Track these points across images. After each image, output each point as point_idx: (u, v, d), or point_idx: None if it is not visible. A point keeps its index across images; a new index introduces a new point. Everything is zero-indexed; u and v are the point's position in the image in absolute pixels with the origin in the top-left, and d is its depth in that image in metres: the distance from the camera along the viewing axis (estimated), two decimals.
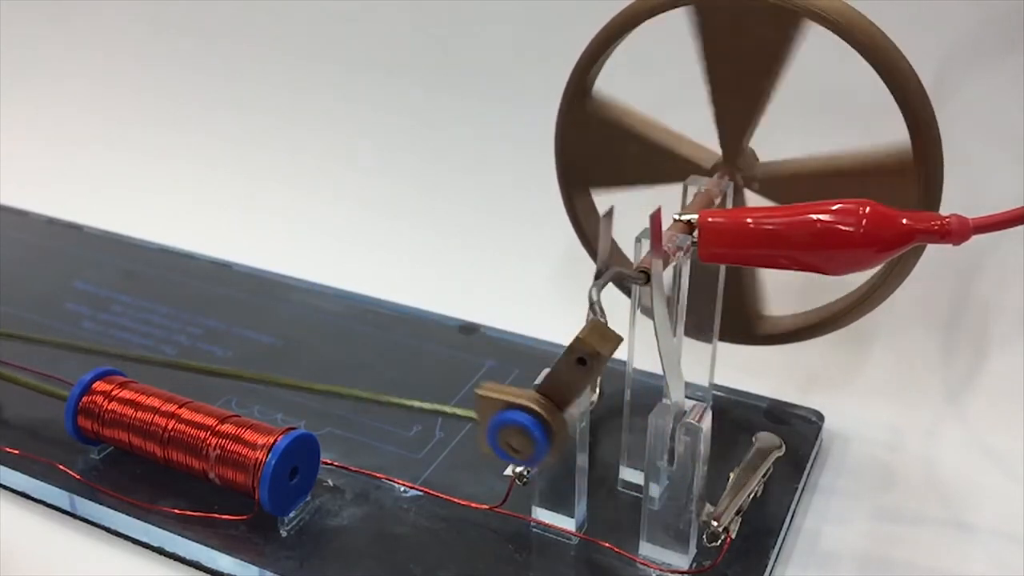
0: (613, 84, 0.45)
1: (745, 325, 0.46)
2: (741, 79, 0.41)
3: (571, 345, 0.33)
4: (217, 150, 0.72)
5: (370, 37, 0.66)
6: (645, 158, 0.45)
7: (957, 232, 0.34)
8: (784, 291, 0.47)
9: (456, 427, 0.46)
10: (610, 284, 0.36)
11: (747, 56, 0.41)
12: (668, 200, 0.43)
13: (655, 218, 0.35)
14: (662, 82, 0.46)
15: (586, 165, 0.46)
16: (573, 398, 0.34)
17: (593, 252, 0.47)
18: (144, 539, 0.41)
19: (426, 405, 0.42)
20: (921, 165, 0.39)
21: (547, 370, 0.34)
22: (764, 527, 0.40)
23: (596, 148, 0.46)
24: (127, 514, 0.41)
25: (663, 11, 0.41)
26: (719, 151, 0.43)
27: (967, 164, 0.48)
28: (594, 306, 0.34)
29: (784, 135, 0.43)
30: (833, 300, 0.44)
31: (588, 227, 0.48)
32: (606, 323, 0.33)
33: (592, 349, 0.32)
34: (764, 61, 0.40)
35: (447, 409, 0.44)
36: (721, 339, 0.45)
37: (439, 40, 0.64)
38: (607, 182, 0.46)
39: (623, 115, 0.45)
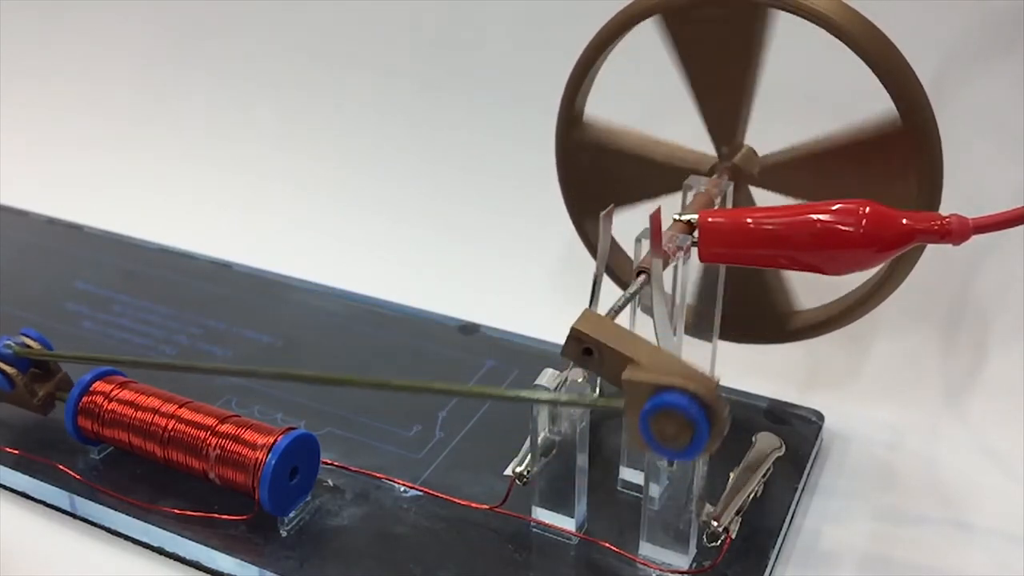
0: (607, 98, 0.45)
1: (770, 323, 0.46)
2: (719, 78, 0.42)
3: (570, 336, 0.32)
4: (217, 150, 0.72)
5: (370, 37, 0.66)
6: (645, 174, 0.45)
7: (957, 232, 0.34)
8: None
9: (456, 427, 0.46)
10: (610, 284, 0.36)
11: (719, 53, 0.41)
12: (668, 200, 0.43)
13: (655, 218, 0.35)
14: (657, 88, 0.46)
15: (590, 191, 0.47)
16: (645, 359, 0.31)
17: (613, 275, 0.47)
18: (144, 539, 0.41)
19: (438, 384, 0.39)
20: (920, 164, 0.39)
21: (552, 374, 0.34)
22: (764, 527, 0.40)
23: (597, 173, 0.46)
24: (127, 514, 0.41)
25: (630, 28, 0.41)
26: (714, 153, 0.43)
27: (967, 164, 0.48)
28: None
29: (783, 137, 0.43)
30: (832, 300, 0.45)
31: (602, 247, 0.48)
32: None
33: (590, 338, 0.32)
34: (737, 55, 0.41)
35: (460, 388, 0.41)
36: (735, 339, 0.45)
37: (439, 40, 0.64)
38: (613, 203, 0.46)
39: (616, 136, 0.46)
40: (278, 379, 0.46)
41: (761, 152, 0.44)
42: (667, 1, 0.40)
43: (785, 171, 0.42)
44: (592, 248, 0.48)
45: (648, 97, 0.52)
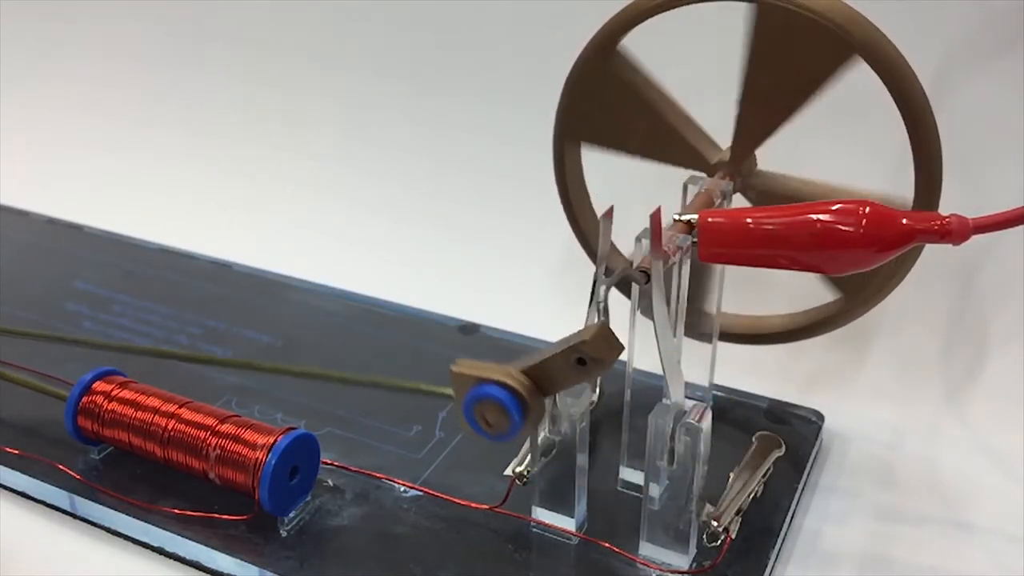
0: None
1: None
2: (776, 90, 0.41)
3: (575, 345, 0.33)
4: (217, 150, 0.72)
5: (370, 37, 0.66)
6: (652, 132, 0.44)
7: (957, 232, 0.33)
8: (780, 291, 0.47)
9: (456, 427, 0.46)
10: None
11: (791, 70, 0.40)
12: (668, 200, 0.43)
13: (655, 218, 0.35)
14: (677, 76, 0.45)
15: (590, 118, 0.45)
16: (559, 390, 0.34)
17: (573, 219, 0.47)
18: (144, 539, 0.41)
19: (407, 384, 0.42)
20: (921, 165, 0.39)
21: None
22: (764, 527, 0.40)
23: (606, 105, 0.45)
24: (127, 514, 0.41)
25: None
26: (725, 148, 0.43)
27: (967, 164, 0.48)
28: (600, 307, 0.34)
29: (783, 136, 0.43)
30: (832, 300, 0.45)
31: (571, 180, 0.47)
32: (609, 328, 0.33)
33: (597, 355, 0.32)
34: (805, 80, 0.40)
35: (428, 388, 0.43)
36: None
37: (439, 40, 0.64)
38: (605, 142, 0.45)
39: (644, 83, 0.44)
40: (263, 372, 0.46)
41: (760, 161, 0.43)
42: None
43: (780, 201, 0.42)
44: (561, 177, 0.47)
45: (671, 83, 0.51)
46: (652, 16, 0.42)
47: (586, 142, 0.46)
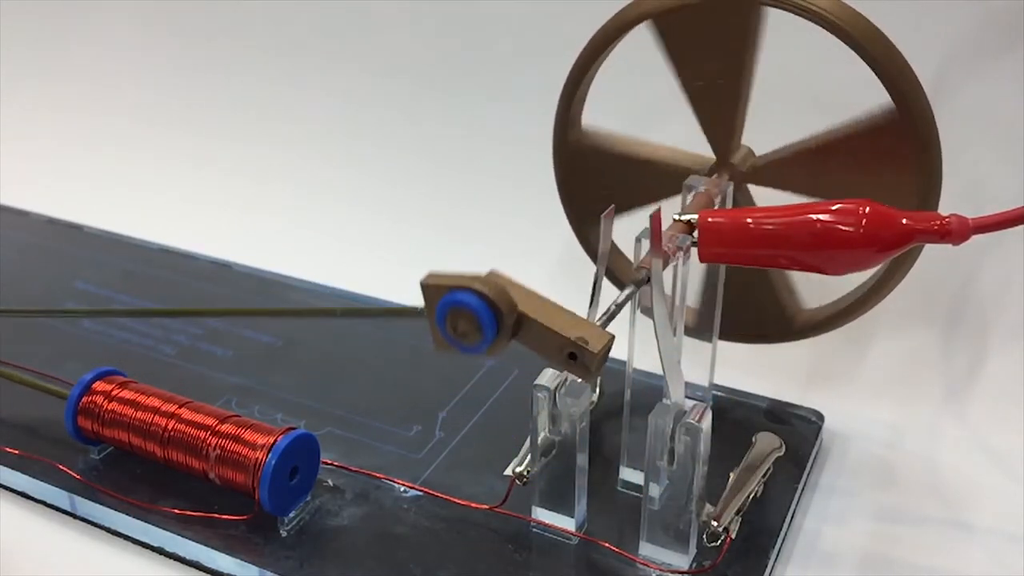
0: (603, 102, 0.45)
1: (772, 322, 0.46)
2: (713, 79, 0.41)
3: (576, 343, 0.32)
4: (217, 150, 0.72)
5: (370, 37, 0.66)
6: (644, 179, 0.45)
7: (957, 232, 0.34)
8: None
9: (456, 427, 0.46)
10: (609, 284, 0.36)
11: (712, 55, 0.41)
12: (668, 200, 0.43)
13: (655, 218, 0.35)
14: (652, 91, 0.46)
15: (590, 199, 0.46)
16: (530, 348, 0.33)
17: (615, 280, 0.47)
18: (144, 539, 0.41)
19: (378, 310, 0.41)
20: (920, 165, 0.39)
21: (552, 374, 0.34)
22: (764, 527, 0.40)
23: (595, 180, 0.46)
24: (127, 514, 0.41)
25: (624, 34, 0.41)
26: (745, 151, 0.43)
27: (967, 164, 0.48)
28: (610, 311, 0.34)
29: (782, 137, 0.43)
30: (832, 300, 0.45)
31: (602, 248, 0.47)
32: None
33: (592, 364, 0.32)
34: (731, 55, 0.41)
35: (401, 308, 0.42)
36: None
37: (439, 40, 0.64)
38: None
39: (611, 142, 0.46)
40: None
41: (759, 152, 0.44)
42: (658, 6, 0.40)
43: (782, 168, 0.42)
44: (592, 253, 0.48)
45: (644, 100, 0.52)
46: (587, 77, 0.43)
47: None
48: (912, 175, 0.39)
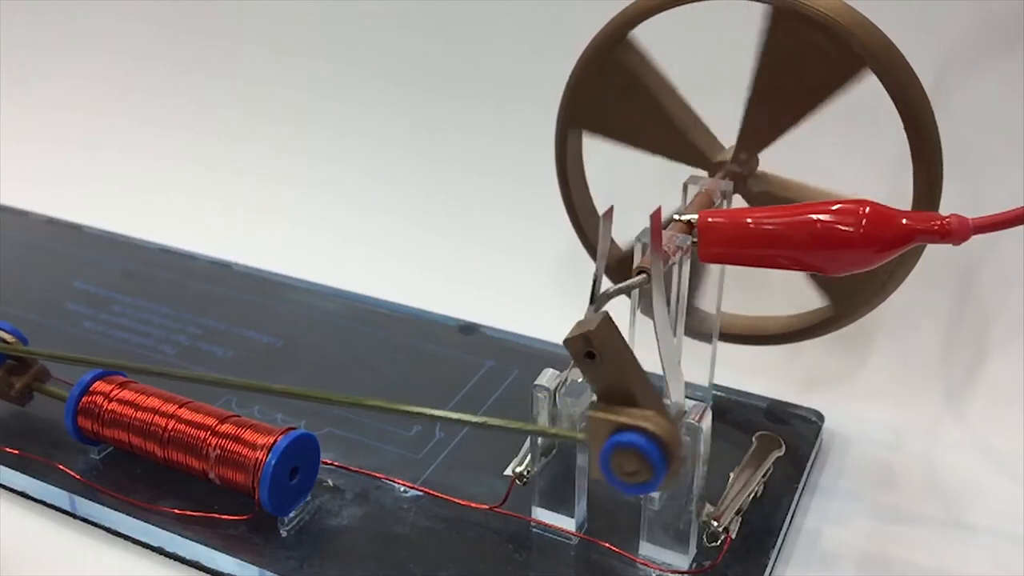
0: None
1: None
2: (785, 95, 0.41)
3: (569, 350, 0.32)
4: (217, 150, 0.72)
5: (370, 37, 0.66)
6: (655, 126, 0.44)
7: (957, 232, 0.33)
8: (781, 291, 0.47)
9: (456, 427, 0.46)
10: (608, 284, 0.36)
11: (802, 76, 0.40)
12: (668, 200, 0.43)
13: (655, 218, 0.35)
14: (687, 70, 0.45)
15: (595, 106, 0.45)
16: (631, 387, 0.31)
17: (570, 206, 0.47)
18: (144, 539, 0.41)
19: (429, 411, 0.39)
20: (921, 165, 0.39)
21: (552, 374, 0.33)
22: (764, 527, 0.40)
23: (612, 94, 0.44)
24: (127, 514, 0.41)
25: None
26: (727, 147, 0.43)
27: (967, 164, 0.48)
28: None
29: (783, 137, 0.43)
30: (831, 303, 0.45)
31: (571, 171, 0.47)
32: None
33: (580, 337, 0.32)
34: (816, 88, 0.40)
35: (452, 415, 0.42)
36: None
37: (439, 39, 0.64)
38: (608, 131, 0.45)
39: (652, 76, 0.44)
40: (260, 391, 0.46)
41: (761, 161, 0.43)
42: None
43: (773, 202, 0.42)
44: (563, 166, 0.46)
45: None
46: (666, 9, 0.41)
47: (589, 131, 0.46)
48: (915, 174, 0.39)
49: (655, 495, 0.37)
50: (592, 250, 0.47)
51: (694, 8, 0.40)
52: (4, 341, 0.45)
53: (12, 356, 0.45)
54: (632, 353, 0.33)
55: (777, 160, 0.43)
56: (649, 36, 0.43)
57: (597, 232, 0.36)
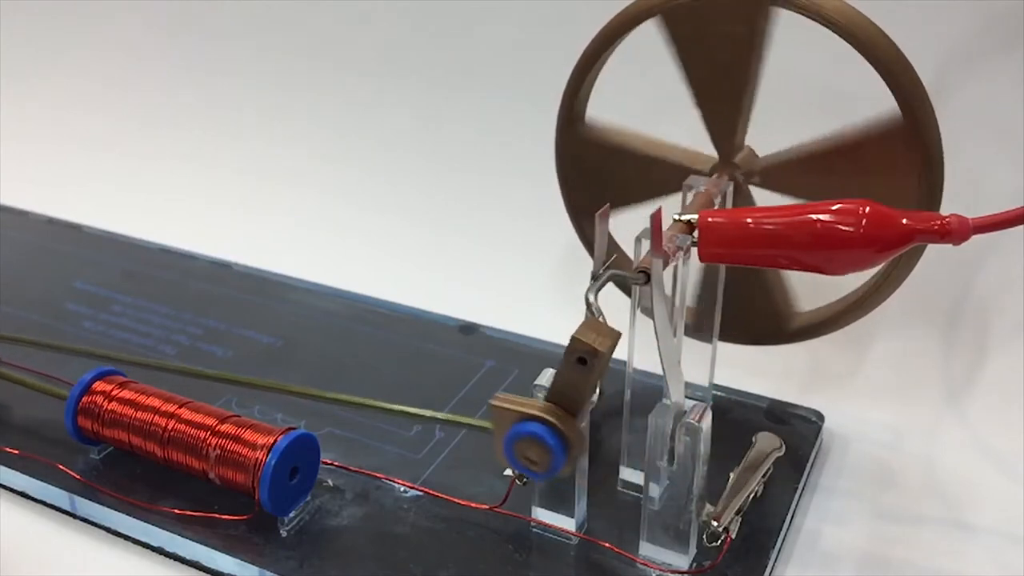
0: (608, 95, 0.45)
1: (772, 324, 0.46)
2: (720, 79, 0.42)
3: (568, 346, 0.33)
4: (217, 150, 0.72)
5: (370, 37, 0.67)
6: (645, 174, 0.45)
7: (957, 232, 0.33)
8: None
9: (456, 427, 0.46)
10: (610, 285, 0.36)
11: (720, 55, 0.41)
12: (668, 200, 0.43)
13: (655, 218, 0.35)
14: (657, 88, 0.46)
15: (590, 190, 0.46)
16: (583, 402, 0.34)
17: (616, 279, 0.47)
18: (144, 539, 0.41)
19: (426, 413, 0.42)
20: (920, 164, 0.39)
21: (552, 374, 0.34)
22: (764, 527, 0.40)
23: (597, 174, 0.46)
24: (127, 514, 0.41)
25: (632, 28, 0.41)
26: (714, 154, 0.43)
27: (967, 164, 0.48)
28: (591, 307, 0.34)
29: (784, 137, 0.43)
30: (832, 300, 0.45)
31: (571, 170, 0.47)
32: (602, 321, 0.33)
33: (589, 347, 0.32)
34: (739, 54, 0.41)
35: (449, 417, 0.44)
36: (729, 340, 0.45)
37: (439, 39, 0.64)
38: (613, 203, 0.46)
39: (616, 135, 0.45)
40: (266, 389, 0.46)
41: (761, 152, 0.44)
42: (668, 1, 0.40)
43: (785, 171, 0.42)
44: (588, 244, 0.48)
45: (648, 97, 0.52)
46: (593, 71, 0.43)
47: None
48: (914, 179, 0.39)
49: (655, 495, 0.37)
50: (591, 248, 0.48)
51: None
52: None
53: None
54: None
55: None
56: (626, 55, 0.43)
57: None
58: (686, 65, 0.42)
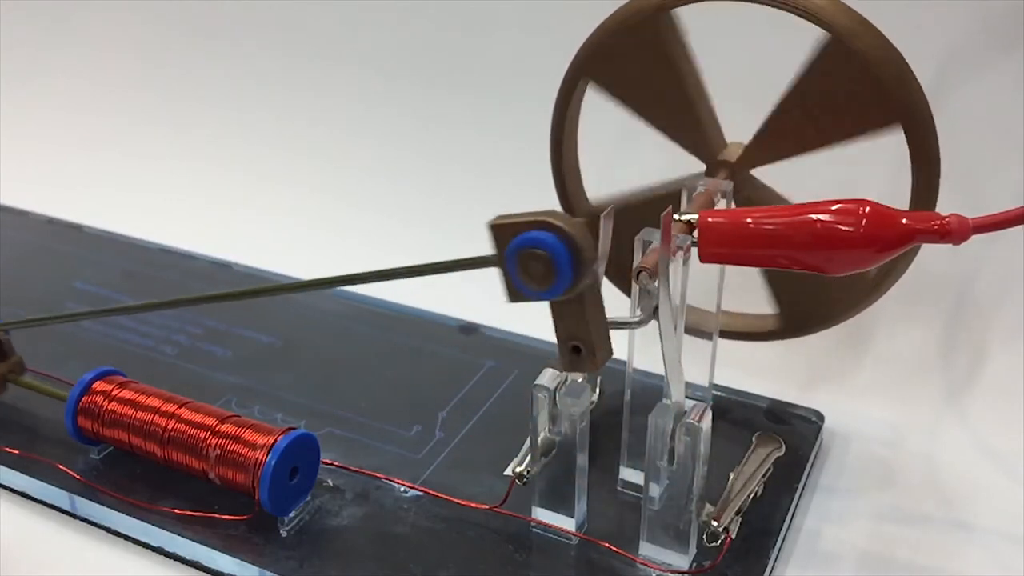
0: (597, 109, 0.45)
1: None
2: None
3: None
4: (217, 150, 0.72)
5: (370, 37, 0.66)
6: (669, 103, 0.43)
7: (957, 232, 0.33)
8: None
9: (456, 427, 0.46)
10: (610, 284, 0.36)
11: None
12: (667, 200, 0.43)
13: (665, 219, 0.35)
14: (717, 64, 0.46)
15: (614, 63, 0.44)
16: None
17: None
18: (144, 539, 0.41)
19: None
20: (920, 165, 0.39)
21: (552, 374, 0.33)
22: (764, 527, 0.40)
23: (637, 59, 0.43)
24: (127, 514, 0.41)
25: (573, 90, 0.43)
26: (731, 144, 0.43)
27: (967, 164, 0.48)
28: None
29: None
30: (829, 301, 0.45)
31: (568, 123, 0.46)
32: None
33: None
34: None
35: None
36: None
37: (439, 39, 0.64)
38: (618, 92, 0.44)
39: (682, 54, 0.43)
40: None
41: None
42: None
43: (770, 141, 0.42)
44: (561, 109, 0.46)
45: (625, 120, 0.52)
46: None
47: (601, 86, 0.45)
48: (877, 102, 0.39)
49: (655, 495, 0.37)
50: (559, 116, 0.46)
51: (730, 7, 0.40)
52: None
53: None
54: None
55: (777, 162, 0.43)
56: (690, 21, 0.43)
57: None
58: (628, 104, 0.42)
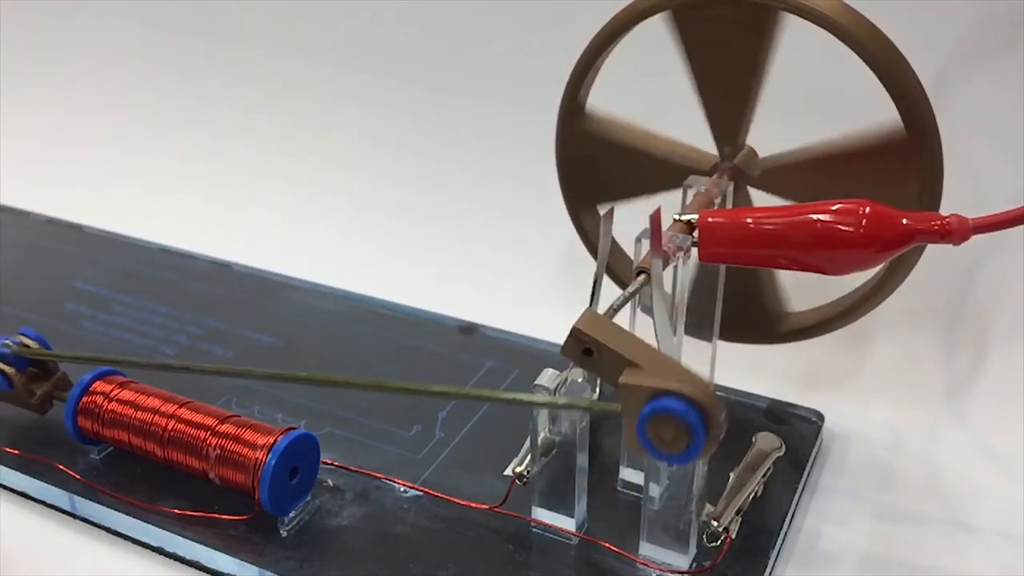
0: (610, 90, 0.45)
1: (763, 323, 0.46)
2: (725, 77, 0.41)
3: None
4: (217, 150, 0.72)
5: (370, 37, 0.67)
6: (645, 169, 0.45)
7: (957, 232, 0.34)
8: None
9: (456, 427, 0.46)
10: (610, 284, 0.36)
11: (728, 54, 0.41)
12: (668, 200, 0.43)
13: (655, 218, 0.35)
14: (662, 83, 0.46)
15: (589, 183, 0.47)
16: (649, 366, 0.31)
17: (613, 275, 0.47)
18: (144, 539, 0.41)
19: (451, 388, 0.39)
20: (920, 164, 0.39)
21: (552, 374, 0.33)
22: (764, 527, 0.40)
23: (596, 165, 0.46)
24: (127, 514, 0.41)
25: (639, 22, 0.41)
26: (715, 152, 0.43)
27: (967, 164, 0.48)
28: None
29: (784, 139, 0.43)
30: (831, 300, 0.45)
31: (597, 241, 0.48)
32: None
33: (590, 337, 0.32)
34: (746, 58, 0.41)
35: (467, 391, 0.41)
36: (730, 339, 0.45)
37: (439, 40, 0.64)
38: (611, 197, 0.46)
39: (617, 128, 0.45)
40: (275, 380, 0.46)
41: (762, 154, 0.44)
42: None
43: (785, 174, 0.42)
44: (588, 243, 0.48)
45: (650, 94, 0.52)
46: (598, 63, 0.43)
47: (597, 204, 0.47)
48: (913, 189, 0.39)
49: (655, 495, 0.37)
50: (592, 249, 0.48)
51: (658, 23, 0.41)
52: (26, 346, 0.45)
53: (34, 363, 0.45)
54: (631, 335, 0.32)
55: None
56: (629, 52, 0.43)
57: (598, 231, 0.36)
58: (692, 63, 0.42)
